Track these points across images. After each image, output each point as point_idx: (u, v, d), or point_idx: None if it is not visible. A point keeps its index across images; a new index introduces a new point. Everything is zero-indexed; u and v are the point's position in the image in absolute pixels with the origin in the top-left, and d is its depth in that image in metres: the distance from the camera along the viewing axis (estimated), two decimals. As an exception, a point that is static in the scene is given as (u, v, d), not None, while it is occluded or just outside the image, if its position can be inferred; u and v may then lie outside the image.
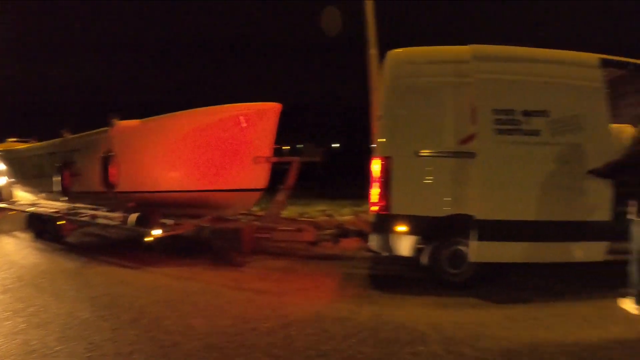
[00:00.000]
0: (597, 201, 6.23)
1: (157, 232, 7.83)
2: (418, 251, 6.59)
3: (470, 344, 4.76)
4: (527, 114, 6.21)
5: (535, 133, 6.21)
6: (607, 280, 6.47)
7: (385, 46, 7.01)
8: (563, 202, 6.34)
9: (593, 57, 6.66)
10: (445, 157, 6.39)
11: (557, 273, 7.09)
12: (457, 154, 6.33)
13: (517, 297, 6.27)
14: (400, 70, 6.65)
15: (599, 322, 5.44)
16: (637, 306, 5.63)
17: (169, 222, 8.42)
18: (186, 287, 6.69)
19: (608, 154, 6.08)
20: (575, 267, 6.79)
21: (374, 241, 6.66)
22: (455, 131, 6.37)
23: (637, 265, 5.64)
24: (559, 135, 6.26)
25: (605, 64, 6.69)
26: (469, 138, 6.24)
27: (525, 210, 6.24)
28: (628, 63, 7.05)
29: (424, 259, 6.65)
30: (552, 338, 4.95)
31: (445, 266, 6.58)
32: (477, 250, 6.16)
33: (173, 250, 8.57)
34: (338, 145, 55.65)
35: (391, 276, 7.44)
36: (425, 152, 6.41)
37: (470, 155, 6.16)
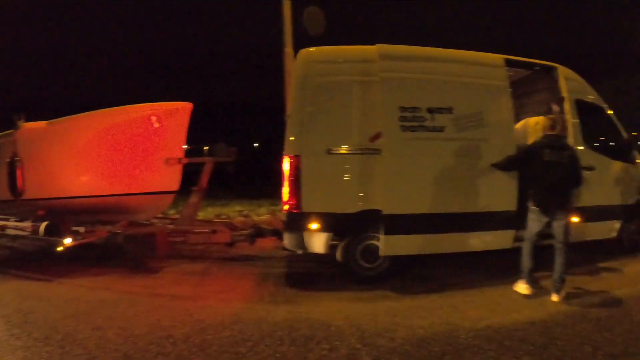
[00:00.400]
0: (503, 192, 6.55)
1: (68, 241, 7.39)
2: (332, 248, 6.61)
3: (387, 335, 4.79)
4: (431, 111, 6.41)
5: (440, 129, 6.43)
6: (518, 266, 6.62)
7: (303, 46, 6.95)
8: (470, 195, 6.62)
9: (498, 58, 7.05)
10: (354, 154, 6.43)
11: (469, 263, 7.38)
12: (365, 151, 6.39)
13: (432, 288, 6.41)
14: (309, 69, 6.61)
15: (511, 306, 5.68)
16: (527, 286, 6.01)
17: (81, 229, 7.98)
18: (100, 298, 6.33)
19: (511, 148, 6.56)
20: (487, 256, 7.07)
21: (287, 240, 6.60)
22: (364, 129, 6.43)
23: (527, 249, 6.06)
24: (463, 131, 6.53)
25: (509, 63, 7.10)
26: (378, 135, 6.32)
27: (432, 204, 6.45)
28: (533, 64, 7.58)
29: (338, 255, 6.68)
30: (467, 323, 5.08)
31: (359, 261, 6.63)
32: (386, 244, 6.26)
33: (86, 259, 8.12)
34: (257, 144, 55.70)
35: (307, 274, 7.40)
36: (335, 150, 6.41)
37: (377, 151, 6.27)
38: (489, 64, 7.05)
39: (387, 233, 6.19)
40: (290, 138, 6.48)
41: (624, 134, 8.16)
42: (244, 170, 15.23)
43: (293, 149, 6.40)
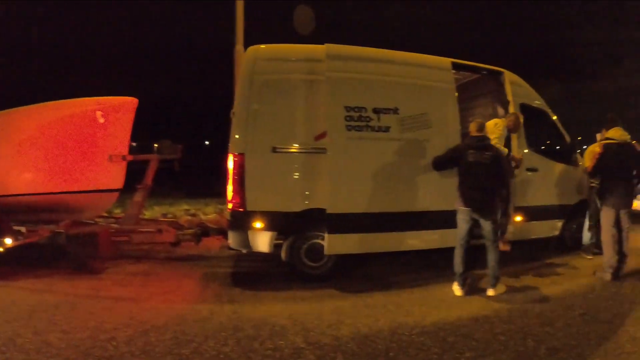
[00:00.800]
0: (446, 192, 6.60)
1: (9, 242, 7.05)
2: (277, 247, 6.59)
3: (331, 333, 4.75)
4: (377, 111, 6.47)
5: (385, 129, 6.51)
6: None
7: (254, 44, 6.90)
8: (414, 194, 6.73)
9: (445, 61, 7.21)
10: (299, 152, 6.44)
11: (415, 261, 7.54)
12: (310, 150, 6.42)
13: (377, 286, 6.45)
14: (256, 66, 6.52)
15: (456, 303, 5.78)
16: (459, 287, 6.12)
17: (22, 229, 7.65)
18: (42, 300, 6.05)
19: None
20: (432, 254, 7.22)
21: (232, 239, 6.51)
22: (310, 128, 6.44)
23: (458, 250, 6.16)
24: (408, 132, 6.64)
25: (456, 67, 7.27)
26: (323, 134, 6.34)
27: (376, 203, 6.51)
28: (481, 68, 7.79)
29: (283, 254, 6.64)
30: (411, 321, 5.11)
31: (304, 260, 6.61)
32: (330, 243, 6.22)
33: (27, 260, 7.80)
34: (208, 142, 55.23)
35: (252, 273, 7.34)
36: (280, 148, 6.37)
37: (323, 150, 6.27)
38: (436, 67, 7.20)
39: (331, 232, 6.17)
40: (235, 136, 6.38)
41: (567, 138, 8.45)
42: (194, 168, 15.00)
43: (237, 147, 6.32)
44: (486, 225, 6.05)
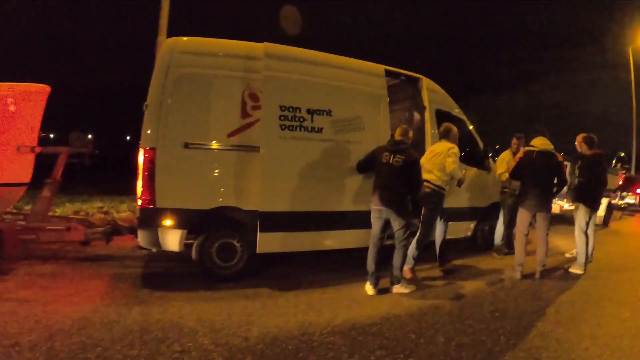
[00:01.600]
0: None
1: None
2: (188, 246, 6.44)
3: (240, 335, 4.69)
4: (311, 112, 6.61)
5: (318, 130, 6.66)
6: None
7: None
8: (344, 195, 6.89)
9: (379, 67, 7.48)
10: (212, 149, 6.35)
11: (329, 261, 7.63)
12: (223, 147, 6.36)
13: (288, 286, 6.43)
14: (173, 59, 6.32)
15: (367, 302, 5.86)
16: (371, 287, 6.23)
17: None
18: (-60, 306, 5.66)
19: None
20: (347, 253, 7.28)
21: (141, 237, 6.29)
22: (224, 125, 6.36)
23: (371, 250, 6.29)
24: (340, 134, 6.84)
25: (387, 73, 7.56)
26: (236, 132, 6.33)
27: (307, 202, 6.63)
28: (401, 74, 8.03)
29: (194, 254, 6.48)
30: (322, 321, 5.12)
31: (215, 260, 6.48)
32: (262, 242, 6.24)
33: None
34: (130, 137, 53.82)
35: (163, 273, 7.10)
36: (192, 144, 6.22)
37: (235, 148, 6.32)
38: (370, 73, 7.49)
39: (263, 230, 6.18)
40: (147, 130, 6.16)
41: (481, 145, 8.82)
42: (112, 163, 14.47)
43: (148, 141, 6.11)
44: (395, 226, 6.21)
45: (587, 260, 8.28)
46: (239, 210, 6.36)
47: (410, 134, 6.48)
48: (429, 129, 7.85)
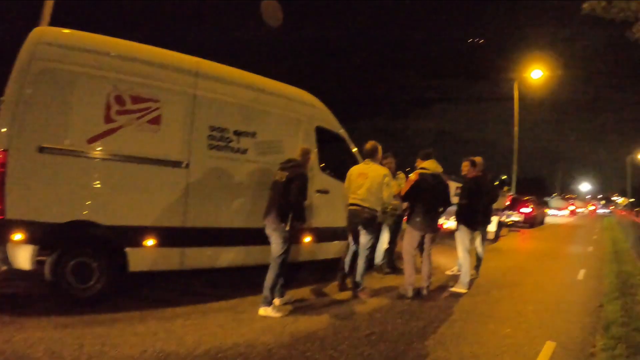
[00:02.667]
0: None
1: None
2: (40, 263, 5.44)
3: None
4: (238, 133, 6.73)
5: (243, 151, 6.80)
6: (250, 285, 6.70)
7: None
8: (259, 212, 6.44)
9: (302, 94, 8.04)
10: (69, 155, 5.46)
11: (198, 283, 7.12)
12: (82, 154, 5.54)
13: (151, 311, 5.67)
14: (39, 50, 5.42)
15: (234, 328, 5.27)
16: (264, 307, 5.82)
17: None
18: None
19: None
20: (219, 275, 7.04)
21: None
22: (86, 129, 5.56)
23: (273, 271, 5.93)
24: (263, 156, 7.02)
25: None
26: (97, 137, 5.59)
27: (229, 219, 6.68)
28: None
29: (47, 273, 5.48)
30: (183, 350, 4.50)
31: (70, 280, 5.54)
32: (139, 259, 5.88)
33: None
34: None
35: (13, 295, 6.03)
36: (48, 148, 5.34)
37: (96, 156, 5.63)
38: (294, 99, 7.77)
39: (162, 245, 5.98)
40: (1, 129, 5.21)
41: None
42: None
43: (1, 142, 5.16)
44: (272, 241, 6.00)
45: (474, 276, 8.51)
46: (97, 226, 5.58)
47: (310, 154, 6.52)
48: (300, 145, 7.41)
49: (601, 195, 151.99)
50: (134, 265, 5.80)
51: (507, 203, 24.39)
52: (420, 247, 7.62)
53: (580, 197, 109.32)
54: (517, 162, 33.31)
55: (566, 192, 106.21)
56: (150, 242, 5.89)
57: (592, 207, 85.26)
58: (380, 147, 7.24)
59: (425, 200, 7.31)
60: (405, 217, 8.21)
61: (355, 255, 7.19)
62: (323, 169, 7.90)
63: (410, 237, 7.42)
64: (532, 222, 28.71)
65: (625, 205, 58.44)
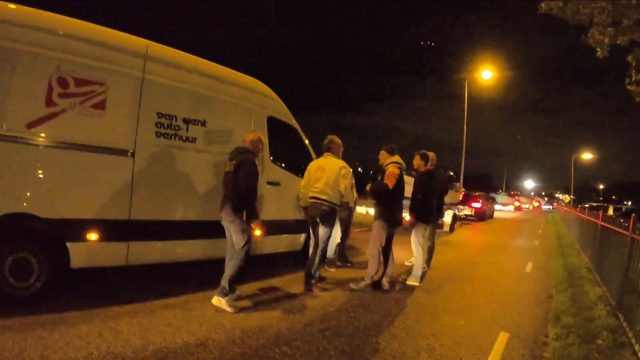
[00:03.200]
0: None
1: None
2: None
3: None
4: (187, 121, 6.36)
5: (192, 140, 6.43)
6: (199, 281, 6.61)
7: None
8: (209, 204, 6.50)
9: (255, 82, 7.76)
10: (4, 141, 4.91)
11: (144, 278, 6.78)
12: (19, 139, 4.98)
13: (95, 310, 5.29)
14: None
15: (183, 326, 5.01)
16: (219, 298, 5.69)
17: None
18: None
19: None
20: (164, 270, 6.74)
21: None
22: (25, 112, 5.04)
23: (235, 261, 5.76)
24: (212, 145, 6.69)
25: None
26: (38, 121, 5.09)
27: (176, 211, 6.34)
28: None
29: None
30: (130, 352, 4.21)
31: (7, 278, 5.08)
32: (81, 254, 5.44)
33: None
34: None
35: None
36: None
37: (35, 142, 5.08)
38: (246, 87, 7.46)
39: (105, 240, 5.56)
40: None
41: (314, 157, 8.45)
42: None
43: None
44: (232, 234, 5.86)
45: (425, 269, 8.54)
46: (36, 219, 5.10)
47: (261, 142, 6.18)
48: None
49: (544, 193, 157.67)
50: (76, 261, 5.38)
51: (460, 198, 26.54)
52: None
53: (524, 193, 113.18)
54: (465, 159, 34.06)
55: (511, 188, 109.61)
56: (93, 236, 5.46)
57: (537, 204, 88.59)
58: (338, 141, 7.31)
59: (397, 196, 7.30)
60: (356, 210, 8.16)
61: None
62: (274, 161, 7.67)
63: (381, 232, 7.31)
64: (482, 216, 31.40)
65: (567, 202, 60.52)
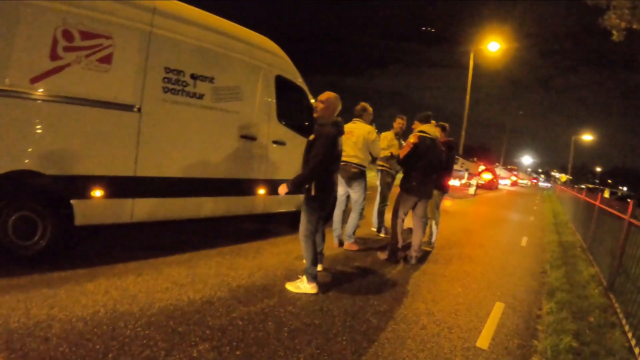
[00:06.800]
0: (252, 161, 7.17)
1: None
2: None
3: (40, 334, 3.63)
4: (194, 77, 6.28)
5: (199, 96, 6.34)
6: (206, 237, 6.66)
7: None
8: (218, 162, 6.68)
9: (264, 40, 7.68)
10: (6, 97, 4.78)
11: (147, 235, 6.90)
12: (22, 95, 4.85)
13: (101, 267, 5.35)
14: None
15: (188, 284, 5.09)
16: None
17: None
18: None
19: (261, 122, 7.28)
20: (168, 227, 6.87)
21: None
22: (29, 66, 4.90)
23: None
24: (220, 102, 6.63)
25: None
26: (43, 75, 4.96)
27: (184, 168, 6.29)
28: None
29: None
30: (137, 310, 4.25)
31: (11, 237, 5.06)
32: (86, 212, 5.37)
33: None
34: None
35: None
36: None
37: (40, 97, 4.95)
38: (255, 44, 7.36)
39: (111, 197, 5.50)
40: None
41: None
42: None
43: None
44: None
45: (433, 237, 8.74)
46: (40, 176, 5.02)
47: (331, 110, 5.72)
48: (259, 94, 7.32)
49: (541, 170, 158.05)
50: (81, 218, 5.32)
51: (480, 169, 36.04)
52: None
53: (521, 168, 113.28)
54: (465, 129, 34.15)
55: (508, 163, 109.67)
56: (98, 192, 5.40)
57: (534, 181, 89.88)
58: (370, 110, 7.72)
59: (422, 165, 7.10)
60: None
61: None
62: (281, 120, 7.65)
63: (404, 202, 7.22)
64: (491, 187, 38.39)
65: (564, 182, 60.69)
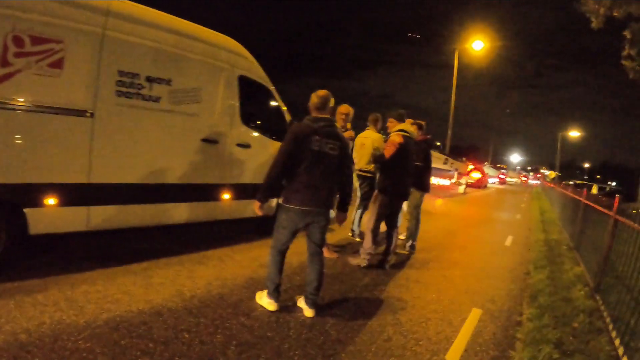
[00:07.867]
0: (215, 166, 6.88)
1: None
2: None
3: None
4: (150, 80, 5.98)
5: (155, 99, 6.05)
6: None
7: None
8: (175, 167, 6.39)
9: (226, 39, 7.33)
10: None
11: (105, 244, 6.59)
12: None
13: (54, 278, 5.06)
14: None
15: (141, 294, 4.81)
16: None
17: None
18: None
19: (222, 124, 6.97)
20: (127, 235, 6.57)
21: None
22: None
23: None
24: (178, 105, 6.35)
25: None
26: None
27: (136, 174, 5.97)
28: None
29: None
30: (82, 321, 4.00)
31: None
32: (40, 220, 5.08)
33: None
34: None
35: None
36: None
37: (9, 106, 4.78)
38: (215, 44, 7.07)
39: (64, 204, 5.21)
40: None
41: (288, 119, 8.29)
42: None
43: None
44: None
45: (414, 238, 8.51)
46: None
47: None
48: (221, 96, 7.03)
49: (530, 167, 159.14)
50: (35, 227, 5.08)
51: (468, 169, 37.75)
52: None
53: (510, 167, 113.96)
54: (452, 129, 34.21)
55: (497, 161, 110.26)
56: (51, 201, 5.16)
57: (524, 179, 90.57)
58: (380, 119, 8.36)
59: (402, 165, 6.85)
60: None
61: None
62: (245, 122, 7.37)
63: (382, 204, 6.89)
64: (480, 185, 39.61)
65: (552, 179, 61.01)
